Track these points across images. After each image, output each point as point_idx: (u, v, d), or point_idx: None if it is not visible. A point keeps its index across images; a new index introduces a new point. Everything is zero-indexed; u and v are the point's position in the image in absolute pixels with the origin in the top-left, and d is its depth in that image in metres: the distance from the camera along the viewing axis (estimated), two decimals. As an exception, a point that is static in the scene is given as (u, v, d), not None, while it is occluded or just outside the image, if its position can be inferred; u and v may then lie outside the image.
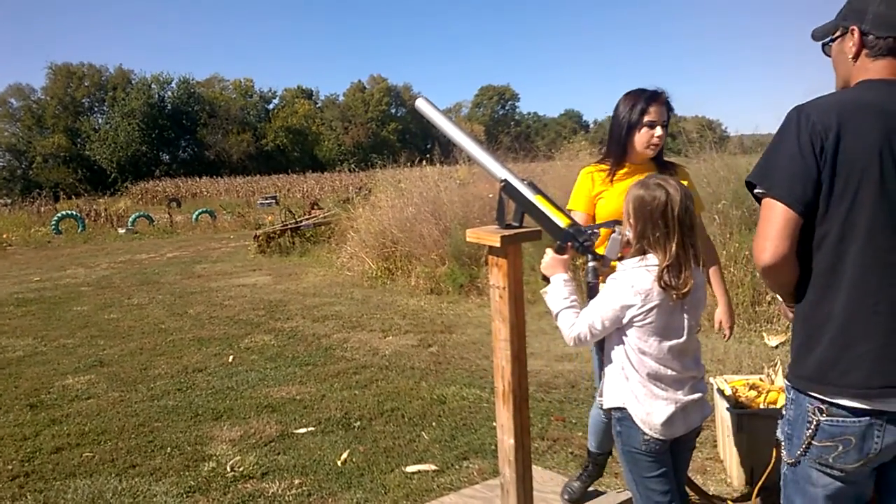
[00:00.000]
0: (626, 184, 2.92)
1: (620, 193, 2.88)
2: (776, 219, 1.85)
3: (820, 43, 2.03)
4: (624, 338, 2.23)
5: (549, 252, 2.40)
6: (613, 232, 2.32)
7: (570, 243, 2.33)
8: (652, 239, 2.19)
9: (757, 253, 1.91)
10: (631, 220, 2.22)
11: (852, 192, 1.78)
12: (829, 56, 1.99)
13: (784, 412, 2.04)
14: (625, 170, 2.99)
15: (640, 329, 2.19)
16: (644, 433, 2.23)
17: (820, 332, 1.86)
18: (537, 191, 2.45)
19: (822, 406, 1.85)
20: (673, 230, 2.17)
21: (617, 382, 2.28)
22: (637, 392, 2.22)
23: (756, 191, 1.95)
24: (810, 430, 1.88)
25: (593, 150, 11.93)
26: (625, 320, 2.18)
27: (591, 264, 2.33)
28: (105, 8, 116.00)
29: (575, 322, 2.26)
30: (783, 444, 2.03)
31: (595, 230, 2.41)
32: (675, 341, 2.21)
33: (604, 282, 2.31)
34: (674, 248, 2.16)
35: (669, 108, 2.95)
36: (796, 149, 1.82)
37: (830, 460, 1.86)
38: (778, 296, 2.09)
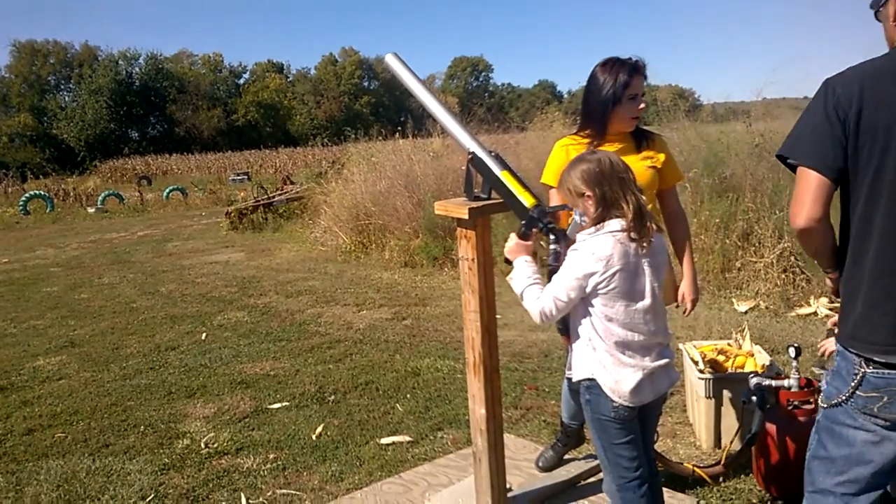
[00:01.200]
0: None
1: None
2: (808, 185, 1.91)
3: (873, 11, 2.03)
4: (590, 308, 2.23)
5: (513, 237, 2.40)
6: (573, 213, 2.32)
7: (534, 229, 2.33)
8: (615, 197, 2.20)
9: (792, 217, 1.97)
10: (588, 192, 2.22)
11: (876, 160, 1.84)
12: (881, 21, 1.99)
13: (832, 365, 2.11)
14: (604, 143, 2.94)
15: (604, 296, 2.19)
16: (613, 401, 2.25)
17: (856, 294, 1.94)
18: (504, 165, 2.43)
19: (866, 359, 1.91)
20: (626, 184, 2.22)
21: (584, 354, 2.29)
22: (605, 361, 2.24)
23: (788, 161, 1.99)
24: (855, 381, 1.93)
25: (566, 121, 11.90)
26: (588, 289, 2.18)
27: (552, 247, 2.31)
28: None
29: (539, 296, 2.26)
30: (822, 390, 2.10)
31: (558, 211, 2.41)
32: (640, 303, 2.22)
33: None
34: (634, 199, 2.20)
35: (645, 77, 2.93)
36: (823, 118, 1.88)
37: (875, 410, 1.91)
38: (823, 268, 2.16)
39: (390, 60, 2.68)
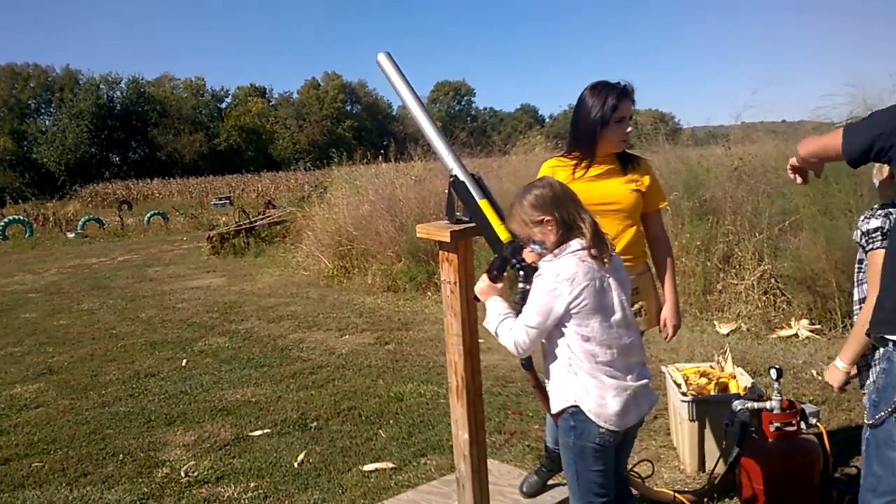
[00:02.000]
0: (590, 176, 2.93)
1: (582, 187, 2.87)
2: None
3: None
4: (564, 330, 2.23)
5: (484, 278, 2.40)
6: (533, 244, 2.33)
7: (504, 272, 2.36)
8: (572, 218, 2.24)
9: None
10: (546, 217, 2.23)
11: None
12: None
13: (872, 380, 2.11)
14: (592, 165, 2.95)
15: (577, 315, 2.20)
16: (599, 427, 2.24)
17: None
18: (484, 193, 2.43)
19: None
20: (579, 204, 2.27)
21: (565, 381, 2.28)
22: (587, 385, 2.23)
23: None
24: None
25: (548, 145, 12.00)
26: (560, 311, 2.18)
27: (520, 285, 2.30)
28: (51, 7, 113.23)
29: (512, 327, 2.27)
30: (866, 409, 2.07)
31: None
32: (612, 318, 2.23)
33: None
34: (590, 218, 2.25)
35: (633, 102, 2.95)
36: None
37: None
38: None
39: (382, 60, 2.65)
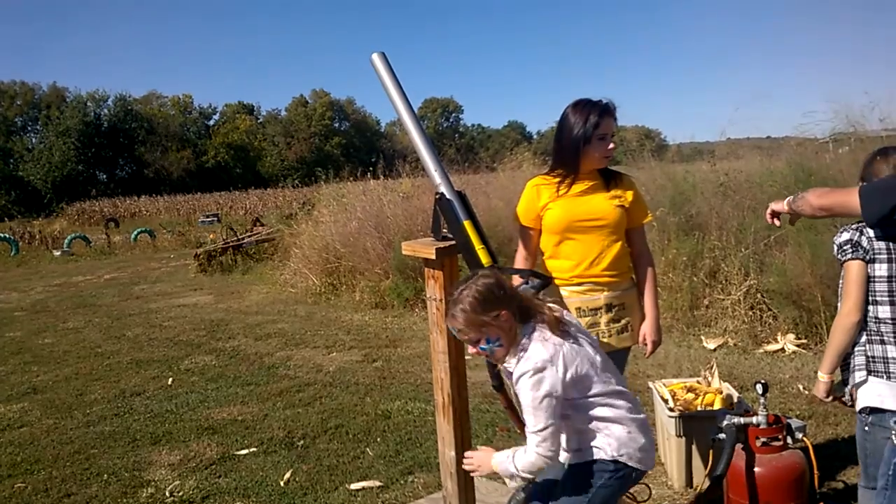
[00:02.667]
0: (574, 193, 2.94)
1: (567, 204, 2.92)
2: None
3: None
4: (578, 407, 2.17)
5: (488, 454, 2.34)
6: (525, 282, 2.32)
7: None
8: (525, 303, 2.18)
9: None
10: (500, 316, 2.12)
11: None
12: None
13: None
14: (575, 182, 2.96)
15: (578, 385, 2.13)
16: (637, 470, 2.24)
17: None
18: (468, 213, 2.43)
19: None
20: (516, 290, 2.24)
21: (603, 444, 2.22)
22: (620, 434, 2.21)
23: None
24: None
25: (536, 161, 12.03)
26: (560, 391, 2.08)
27: None
28: (37, 25, 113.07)
29: (526, 448, 2.15)
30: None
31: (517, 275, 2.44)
32: (598, 360, 2.21)
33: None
34: (537, 295, 2.23)
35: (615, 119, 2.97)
36: None
37: None
38: None
39: (375, 60, 2.60)
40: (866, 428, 2.49)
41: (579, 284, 2.93)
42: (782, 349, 6.03)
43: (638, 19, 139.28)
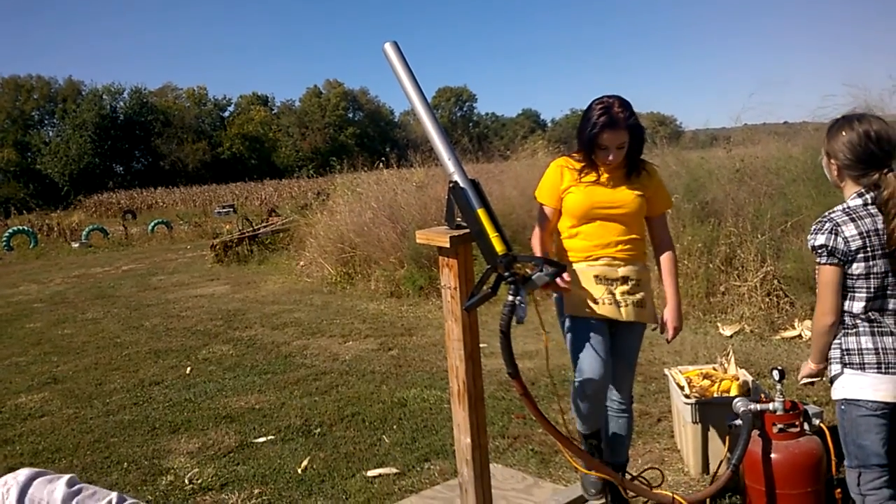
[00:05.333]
0: (596, 179, 2.94)
1: (588, 190, 2.94)
2: None
3: None
4: None
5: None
6: (539, 270, 2.32)
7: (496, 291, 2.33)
8: None
9: None
10: None
11: None
12: None
13: None
14: (595, 170, 2.98)
15: None
16: None
17: None
18: (482, 202, 2.42)
19: None
20: None
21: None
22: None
23: None
24: None
25: (550, 149, 12.01)
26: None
27: (509, 298, 2.27)
28: (53, 19, 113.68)
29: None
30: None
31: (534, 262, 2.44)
32: None
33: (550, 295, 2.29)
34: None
35: (635, 127, 2.92)
36: None
37: None
38: None
39: (388, 50, 2.58)
40: (843, 407, 2.54)
41: (597, 259, 2.98)
42: (799, 336, 5.99)
43: (653, 4, 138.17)
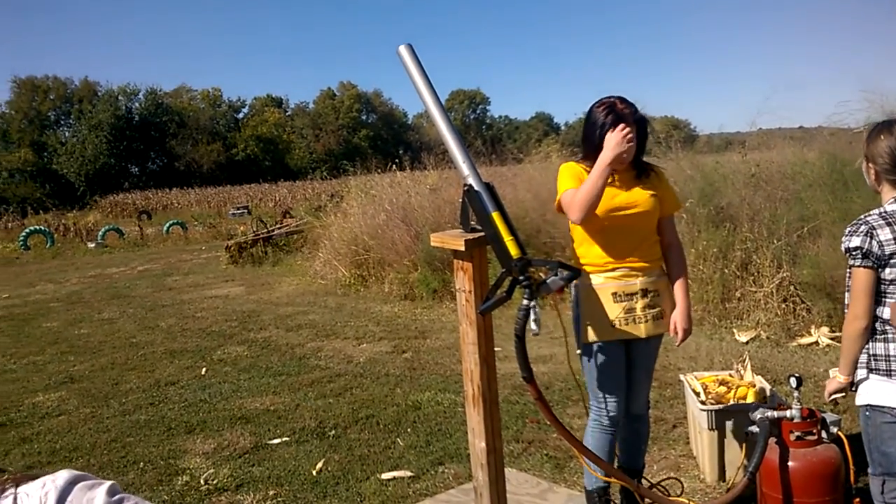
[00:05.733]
0: (609, 182, 2.93)
1: (607, 194, 2.87)
2: None
3: None
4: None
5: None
6: (554, 274, 2.31)
7: (510, 294, 2.32)
8: None
9: None
10: None
11: None
12: None
13: None
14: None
15: None
16: None
17: None
18: (497, 205, 2.41)
19: None
20: None
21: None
22: None
23: None
24: None
25: (564, 153, 11.98)
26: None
27: (524, 302, 2.26)
28: (69, 20, 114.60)
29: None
30: None
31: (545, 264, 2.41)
32: None
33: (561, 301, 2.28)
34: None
35: (640, 120, 2.92)
36: None
37: None
38: None
39: (403, 52, 2.57)
40: (867, 413, 2.52)
41: (614, 270, 2.92)
42: (816, 342, 5.96)
43: (667, 8, 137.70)
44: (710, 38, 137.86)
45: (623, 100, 2.90)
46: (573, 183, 2.94)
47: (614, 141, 2.75)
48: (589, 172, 2.91)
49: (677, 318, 3.02)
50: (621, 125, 2.76)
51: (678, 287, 3.05)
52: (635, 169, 2.99)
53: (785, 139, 9.45)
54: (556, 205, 3.04)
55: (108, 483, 0.99)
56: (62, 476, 0.98)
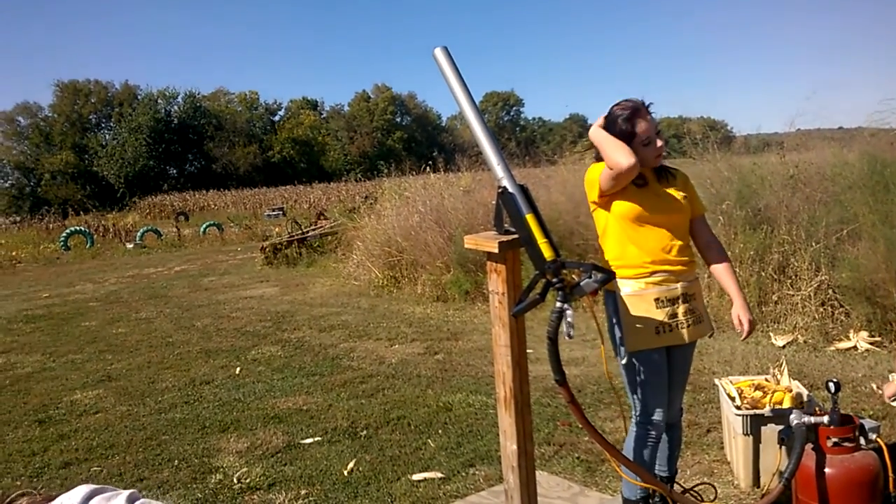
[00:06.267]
0: (640, 188, 2.90)
1: (637, 194, 2.88)
2: None
3: None
4: None
5: None
6: (588, 276, 2.29)
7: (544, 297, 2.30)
8: None
9: None
10: None
11: None
12: None
13: None
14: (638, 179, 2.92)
15: None
16: None
17: None
18: (531, 207, 2.40)
19: None
20: None
21: None
22: None
23: None
24: None
25: (598, 154, 11.88)
26: None
27: (557, 304, 2.24)
28: (110, 24, 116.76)
29: None
30: None
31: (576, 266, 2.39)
32: None
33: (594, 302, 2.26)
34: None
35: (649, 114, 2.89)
36: None
37: None
38: None
39: (438, 55, 2.59)
40: None
41: (653, 274, 2.88)
42: (854, 347, 5.84)
43: (703, 7, 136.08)
44: (748, 36, 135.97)
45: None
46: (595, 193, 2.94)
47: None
48: None
49: (739, 311, 2.96)
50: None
51: (729, 281, 3.01)
52: (655, 174, 2.97)
53: (824, 140, 9.28)
54: (596, 194, 2.94)
55: (126, 492, 0.98)
56: (78, 493, 0.97)
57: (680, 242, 2.92)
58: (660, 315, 2.86)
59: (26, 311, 11.05)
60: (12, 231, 31.90)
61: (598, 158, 2.99)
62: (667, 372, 2.96)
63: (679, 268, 2.90)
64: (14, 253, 21.17)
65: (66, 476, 4.39)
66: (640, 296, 2.88)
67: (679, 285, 2.89)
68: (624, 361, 2.94)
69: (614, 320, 2.94)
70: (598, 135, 2.86)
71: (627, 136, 2.80)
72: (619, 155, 2.72)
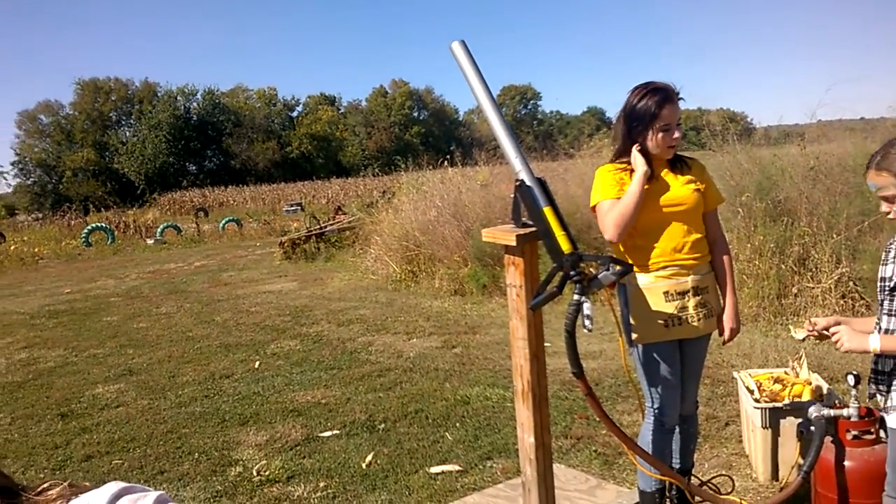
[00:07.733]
0: (651, 182, 2.87)
1: (648, 192, 2.83)
2: None
3: None
4: None
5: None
6: (606, 269, 2.27)
7: (561, 290, 2.26)
8: None
9: None
10: None
11: None
12: None
13: None
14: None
15: None
16: None
17: None
18: (548, 200, 2.40)
19: None
20: None
21: None
22: None
23: None
24: None
25: (615, 147, 11.82)
26: None
27: (575, 297, 2.22)
28: (130, 22, 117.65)
29: None
30: None
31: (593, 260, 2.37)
32: None
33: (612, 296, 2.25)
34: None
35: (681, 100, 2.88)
36: None
37: None
38: None
39: (456, 49, 2.56)
40: None
41: (664, 268, 2.86)
42: (876, 340, 5.77)
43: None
44: (768, 27, 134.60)
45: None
46: (610, 192, 2.88)
47: (640, 160, 2.78)
48: (630, 167, 2.87)
49: (725, 316, 2.96)
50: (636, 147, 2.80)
51: (726, 285, 2.98)
52: (670, 165, 2.94)
53: (846, 130, 9.18)
54: (592, 209, 2.99)
55: (155, 494, 0.98)
56: (107, 491, 0.98)
57: (691, 237, 2.89)
58: (669, 308, 2.84)
59: (49, 306, 11.19)
60: (35, 228, 32.27)
61: (616, 155, 2.98)
62: (678, 365, 2.95)
63: (690, 262, 2.88)
64: (36, 249, 21.41)
65: (88, 469, 4.45)
66: (649, 288, 2.86)
67: (689, 278, 2.87)
68: (633, 353, 2.94)
69: (626, 312, 2.94)
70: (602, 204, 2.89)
71: (650, 117, 2.78)
72: (608, 224, 2.84)
